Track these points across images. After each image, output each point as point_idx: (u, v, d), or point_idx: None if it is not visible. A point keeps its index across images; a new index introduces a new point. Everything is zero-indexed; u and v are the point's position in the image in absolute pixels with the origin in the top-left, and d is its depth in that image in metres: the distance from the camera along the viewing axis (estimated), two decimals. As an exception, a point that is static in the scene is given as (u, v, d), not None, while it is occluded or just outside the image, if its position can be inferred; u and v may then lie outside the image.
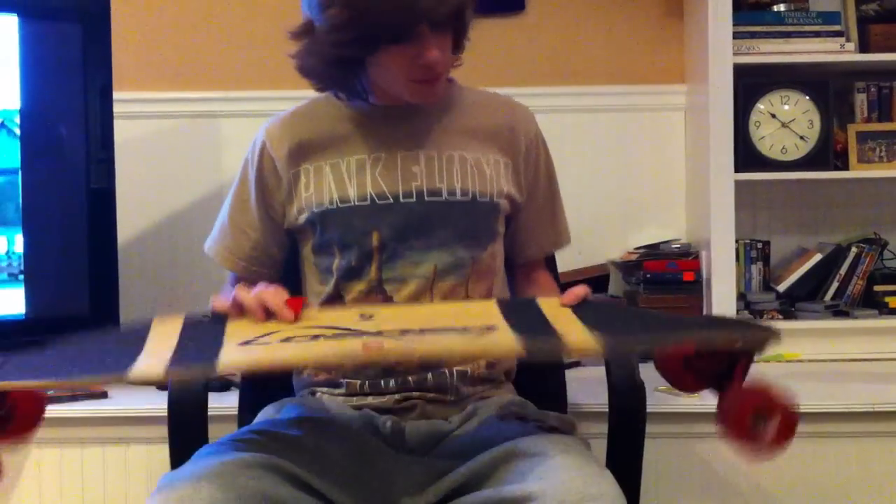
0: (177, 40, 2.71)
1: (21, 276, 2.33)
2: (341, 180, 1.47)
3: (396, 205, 1.45)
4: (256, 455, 1.23)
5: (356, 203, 1.46)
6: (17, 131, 2.34)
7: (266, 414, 1.51)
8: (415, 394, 1.45)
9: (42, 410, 1.20)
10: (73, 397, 2.04)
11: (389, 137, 1.49)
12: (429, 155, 1.49)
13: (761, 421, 1.19)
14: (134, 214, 2.62)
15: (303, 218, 1.49)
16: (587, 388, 1.96)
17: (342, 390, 1.48)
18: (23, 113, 2.35)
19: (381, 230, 1.44)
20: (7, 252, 2.36)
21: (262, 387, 1.63)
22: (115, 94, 2.46)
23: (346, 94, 1.52)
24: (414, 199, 1.45)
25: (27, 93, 2.35)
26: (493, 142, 1.52)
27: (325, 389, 1.50)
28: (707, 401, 2.05)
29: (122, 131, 2.51)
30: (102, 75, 2.43)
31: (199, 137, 2.67)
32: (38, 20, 2.38)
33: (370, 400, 1.45)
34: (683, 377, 1.27)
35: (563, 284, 1.55)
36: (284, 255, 1.57)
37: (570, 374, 1.80)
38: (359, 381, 1.46)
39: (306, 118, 1.54)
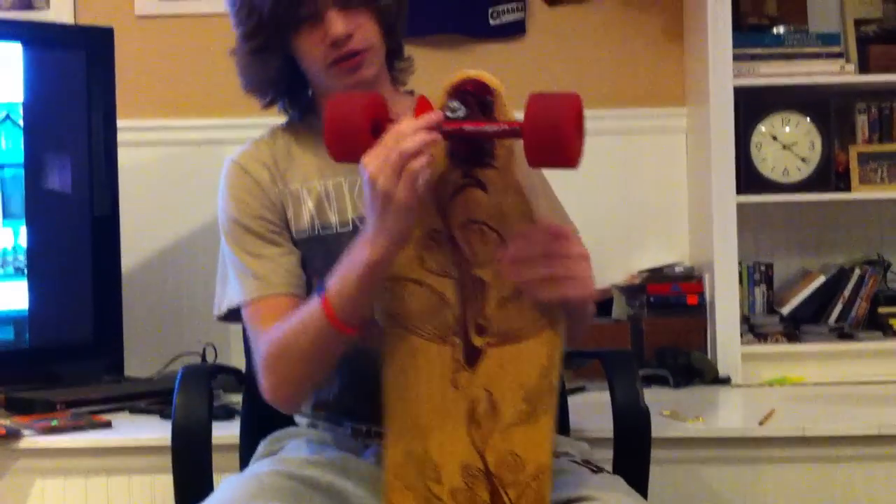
0: (179, 68, 2.72)
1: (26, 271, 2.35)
2: (321, 206, 1.43)
3: None
4: None
5: (339, 230, 1.42)
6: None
7: (269, 446, 1.49)
8: None
9: None
10: (77, 427, 2.03)
11: None
12: None
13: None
14: (137, 241, 2.62)
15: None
16: (591, 413, 1.96)
17: (347, 432, 1.45)
18: (27, 140, 2.36)
19: None
20: (13, 246, 2.36)
21: (263, 415, 1.62)
22: (119, 122, 2.47)
23: (294, 108, 1.50)
24: None
25: (31, 120, 2.36)
26: None
27: (327, 425, 1.48)
28: (712, 425, 2.06)
29: (126, 158, 2.52)
30: (106, 103, 2.45)
31: (202, 164, 2.68)
32: (42, 49, 2.39)
33: (378, 440, 1.43)
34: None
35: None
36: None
37: (573, 400, 1.80)
38: (364, 427, 1.43)
39: (273, 145, 1.47)
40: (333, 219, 1.43)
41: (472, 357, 1.22)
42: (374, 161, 1.13)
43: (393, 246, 1.17)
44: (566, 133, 1.10)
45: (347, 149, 1.17)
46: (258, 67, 1.44)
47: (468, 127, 1.16)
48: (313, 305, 1.26)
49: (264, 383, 1.35)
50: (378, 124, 1.17)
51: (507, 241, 1.20)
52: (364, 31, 1.39)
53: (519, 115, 1.16)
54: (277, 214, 1.43)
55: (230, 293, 1.43)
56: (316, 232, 1.42)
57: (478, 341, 1.22)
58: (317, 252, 1.42)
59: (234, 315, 1.44)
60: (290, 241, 1.43)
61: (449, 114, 1.16)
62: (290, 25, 1.38)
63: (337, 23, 1.36)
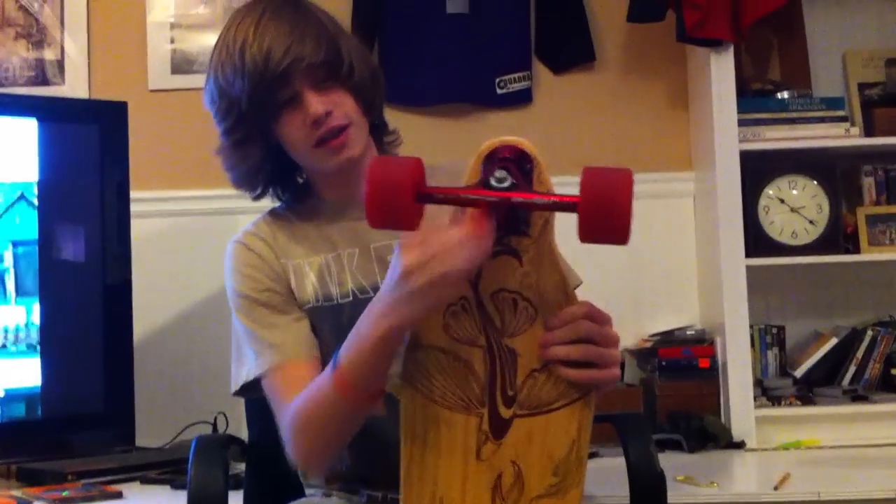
0: (192, 140, 2.75)
1: (38, 347, 2.35)
2: (322, 278, 1.45)
3: None
4: None
5: (339, 301, 1.44)
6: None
7: None
8: None
9: None
10: (88, 498, 2.02)
11: (358, 231, 1.46)
12: None
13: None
14: (149, 310, 2.62)
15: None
16: (606, 478, 1.94)
17: (363, 500, 1.45)
18: (41, 213, 2.39)
19: None
20: (26, 323, 2.37)
21: (268, 484, 1.62)
22: (132, 193, 2.50)
23: (286, 192, 1.52)
24: None
25: (45, 193, 2.39)
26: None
27: (343, 494, 1.47)
28: (726, 490, 2.04)
29: (139, 229, 2.54)
30: (119, 175, 2.48)
31: (214, 234, 2.69)
32: (57, 123, 2.43)
33: None
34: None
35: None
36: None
37: (587, 465, 1.78)
38: (380, 494, 1.44)
39: (273, 224, 1.50)
40: (334, 290, 1.45)
41: (499, 428, 1.20)
42: (415, 259, 1.10)
43: (408, 324, 1.16)
44: (624, 211, 1.08)
45: (389, 217, 1.12)
46: (244, 159, 1.47)
47: (516, 198, 1.11)
48: (327, 377, 1.26)
49: (292, 452, 1.35)
50: (419, 190, 1.12)
51: (539, 313, 1.18)
52: (342, 108, 1.41)
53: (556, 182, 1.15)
54: (283, 285, 1.45)
55: (247, 367, 1.43)
56: (319, 303, 1.44)
57: (505, 412, 1.20)
58: (320, 322, 1.44)
59: (250, 388, 1.44)
60: (299, 309, 1.45)
61: (495, 183, 1.12)
62: (270, 112, 1.41)
63: (315, 102, 1.39)
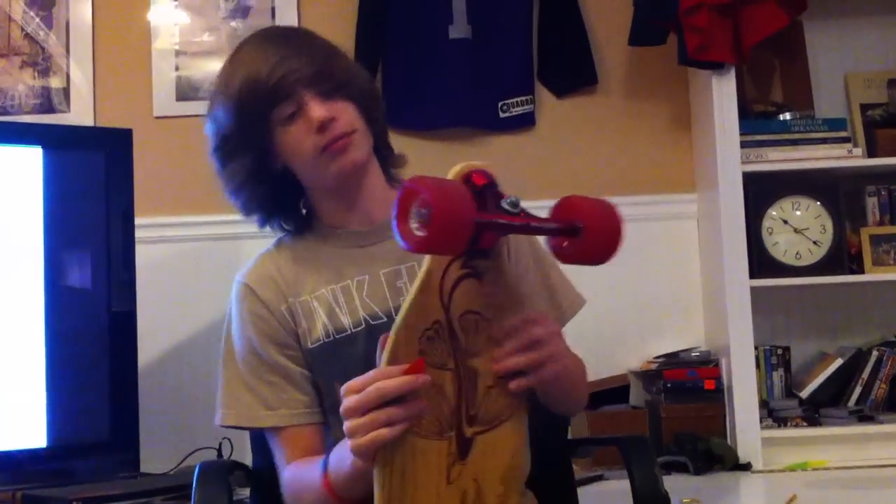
0: (196, 166, 2.74)
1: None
2: (332, 311, 1.45)
3: (390, 322, 1.37)
4: None
5: (352, 330, 1.43)
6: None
7: None
8: None
9: None
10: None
11: (367, 259, 1.47)
12: (409, 266, 1.46)
13: None
14: (154, 336, 2.63)
15: (305, 355, 1.46)
16: (609, 502, 1.94)
17: None
18: (46, 239, 2.39)
19: None
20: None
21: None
22: (137, 220, 2.51)
23: (290, 223, 1.53)
24: None
25: (50, 219, 2.40)
26: None
27: None
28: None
29: (143, 255, 2.55)
30: (124, 201, 2.48)
31: (218, 259, 2.71)
32: (62, 151, 2.44)
33: None
34: None
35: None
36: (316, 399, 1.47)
37: (591, 489, 1.78)
38: None
39: (279, 258, 1.50)
40: (346, 321, 1.45)
41: (464, 448, 1.21)
42: (355, 419, 1.16)
43: (365, 465, 1.19)
44: (620, 235, 1.18)
45: (448, 244, 1.12)
46: (250, 177, 1.47)
47: (534, 224, 1.18)
48: (318, 474, 1.31)
49: None
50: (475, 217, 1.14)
51: (495, 331, 1.21)
52: (346, 115, 1.42)
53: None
54: (288, 333, 1.46)
55: (227, 411, 1.49)
56: (331, 338, 1.44)
57: (468, 431, 1.21)
58: (333, 355, 1.44)
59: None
60: (301, 358, 1.46)
61: (509, 207, 1.15)
62: (262, 135, 1.41)
63: (318, 108, 1.40)
